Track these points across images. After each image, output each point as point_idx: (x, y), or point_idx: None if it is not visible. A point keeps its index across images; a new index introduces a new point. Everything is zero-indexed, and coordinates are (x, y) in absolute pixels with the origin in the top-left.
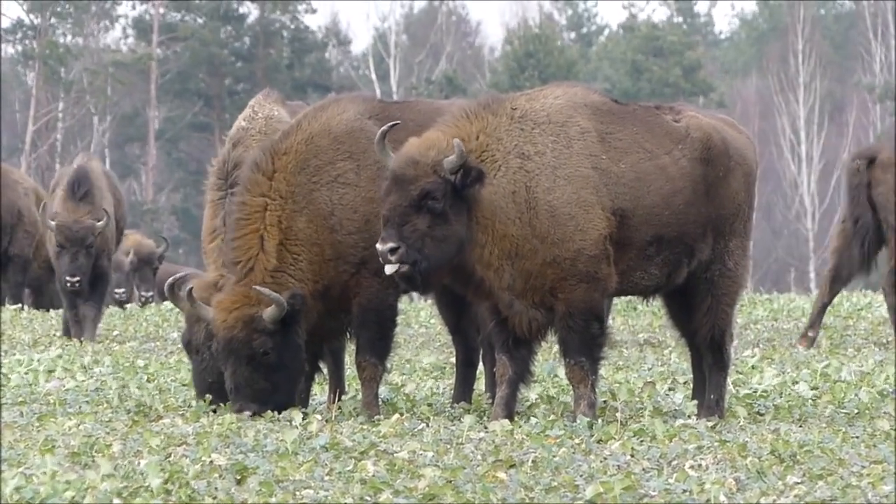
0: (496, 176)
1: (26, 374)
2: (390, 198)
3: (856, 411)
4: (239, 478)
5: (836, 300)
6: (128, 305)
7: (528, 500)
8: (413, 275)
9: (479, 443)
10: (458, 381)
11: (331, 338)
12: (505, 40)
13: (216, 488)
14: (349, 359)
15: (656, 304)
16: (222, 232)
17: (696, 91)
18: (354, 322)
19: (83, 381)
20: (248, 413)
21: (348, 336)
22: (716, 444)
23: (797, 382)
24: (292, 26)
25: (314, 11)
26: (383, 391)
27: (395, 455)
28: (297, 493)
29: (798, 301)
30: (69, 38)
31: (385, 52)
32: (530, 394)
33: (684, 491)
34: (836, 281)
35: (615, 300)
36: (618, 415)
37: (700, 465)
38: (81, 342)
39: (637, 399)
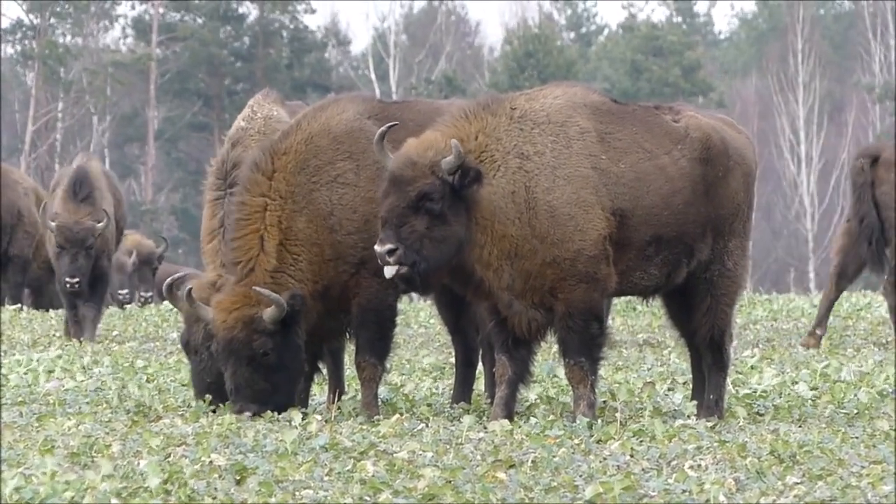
0: (495, 176)
1: (26, 374)
2: (388, 199)
3: (855, 411)
4: (238, 478)
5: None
6: (127, 306)
7: (527, 501)
8: (412, 276)
9: (478, 443)
10: (458, 382)
11: (330, 338)
12: (504, 40)
13: (215, 488)
14: (349, 359)
15: (656, 304)
16: (221, 232)
17: (696, 91)
18: (354, 322)
19: (83, 381)
20: (248, 414)
21: (348, 336)
22: (715, 444)
23: (797, 382)
24: (292, 26)
25: (314, 11)
26: (383, 391)
27: (394, 455)
28: (297, 493)
29: (797, 301)
30: (68, 38)
31: (384, 52)
32: (530, 394)
33: (684, 491)
34: (842, 278)
35: (614, 300)
36: (617, 415)
37: (699, 466)
38: (81, 342)
39: (636, 399)
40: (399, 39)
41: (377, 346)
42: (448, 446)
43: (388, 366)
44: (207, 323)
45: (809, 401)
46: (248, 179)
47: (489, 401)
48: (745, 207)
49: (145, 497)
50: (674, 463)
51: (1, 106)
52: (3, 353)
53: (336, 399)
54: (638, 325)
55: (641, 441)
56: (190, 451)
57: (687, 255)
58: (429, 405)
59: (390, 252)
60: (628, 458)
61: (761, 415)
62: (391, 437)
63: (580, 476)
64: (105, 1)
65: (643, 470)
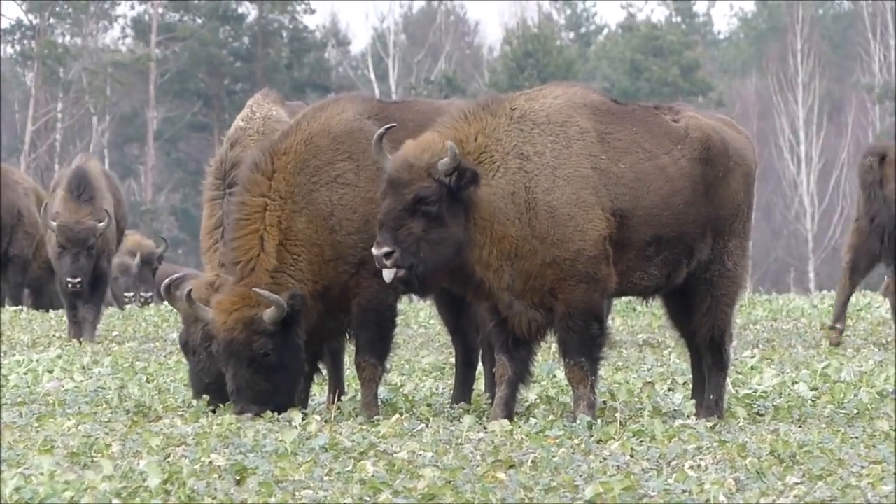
0: (495, 177)
1: (26, 374)
2: (385, 201)
3: (855, 412)
4: (238, 478)
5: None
6: (128, 306)
7: (527, 501)
8: (410, 279)
9: (478, 443)
10: (458, 382)
11: (330, 338)
12: (504, 40)
13: (215, 489)
14: (349, 359)
15: (656, 304)
16: (220, 232)
17: (695, 91)
18: (354, 322)
19: (82, 381)
20: (249, 415)
21: (348, 336)
22: (715, 444)
23: (797, 383)
24: (291, 26)
25: (313, 12)
26: (383, 391)
27: (394, 455)
28: (297, 493)
29: (797, 301)
30: (68, 38)
31: (384, 52)
32: (529, 394)
33: (684, 491)
34: (855, 273)
35: (614, 301)
36: (617, 415)
37: (699, 466)
38: (81, 343)
39: (636, 399)
40: (398, 39)
41: (377, 346)
42: (448, 446)
43: (387, 366)
44: (206, 323)
45: (809, 401)
46: (247, 179)
47: (489, 401)
48: (745, 207)
49: (145, 497)
50: (674, 463)
51: (1, 106)
52: (3, 354)
53: (336, 399)
54: (638, 326)
55: (641, 441)
56: (190, 452)
57: (687, 256)
58: (429, 405)
59: (387, 255)
60: (628, 458)
61: (761, 415)
62: (391, 438)
63: (580, 476)
64: (104, 1)
65: (643, 470)
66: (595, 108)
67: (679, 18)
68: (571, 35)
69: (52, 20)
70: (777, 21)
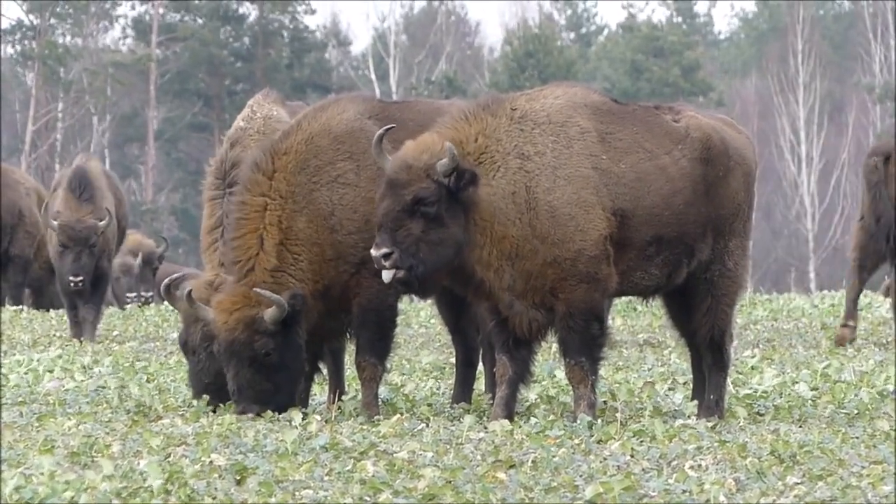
0: (495, 177)
1: (26, 374)
2: (384, 202)
3: (856, 411)
4: (239, 478)
5: (836, 300)
6: (128, 306)
7: (527, 501)
8: (409, 280)
9: (478, 443)
10: (458, 382)
11: (331, 338)
12: (504, 40)
13: (216, 488)
14: (349, 359)
15: (656, 304)
16: (220, 231)
17: (696, 91)
18: (354, 322)
19: (83, 381)
20: (250, 414)
21: (348, 336)
22: (715, 444)
23: (797, 383)
24: (292, 26)
25: (314, 12)
26: (383, 391)
27: (394, 455)
28: (297, 493)
29: (798, 301)
30: (68, 38)
31: (384, 52)
32: (530, 394)
33: (684, 491)
34: (863, 270)
35: (615, 300)
36: (618, 415)
37: (700, 466)
38: (81, 342)
39: (637, 399)
40: (399, 40)
41: (377, 346)
42: (448, 446)
43: (388, 366)
44: (206, 323)
45: (810, 401)
46: (248, 179)
47: (490, 401)
48: (745, 207)
49: (145, 497)
50: (674, 463)
51: (1, 106)
52: (3, 353)
53: (336, 399)
54: (638, 325)
55: (642, 441)
56: (190, 451)
57: (687, 256)
58: (429, 405)
59: (386, 256)
60: (628, 458)
61: (762, 415)
62: (391, 437)
63: (580, 476)
64: (105, 1)
65: (643, 470)
66: (596, 108)
67: (680, 19)
68: (572, 35)
69: (52, 20)
70: (778, 21)
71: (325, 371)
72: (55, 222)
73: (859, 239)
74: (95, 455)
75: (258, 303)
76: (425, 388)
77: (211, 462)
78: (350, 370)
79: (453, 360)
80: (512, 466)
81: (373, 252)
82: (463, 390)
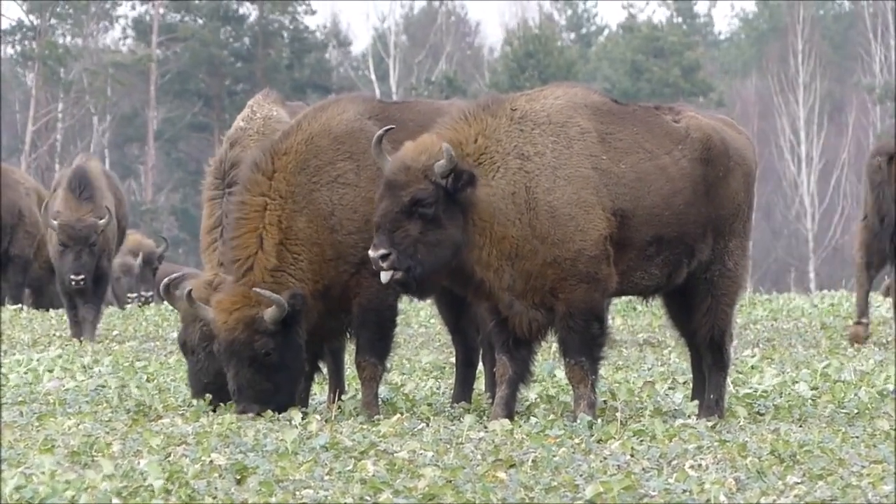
0: (495, 177)
1: (26, 373)
2: (382, 203)
3: (856, 411)
4: (239, 477)
5: (835, 300)
6: (128, 305)
7: (528, 500)
8: (408, 281)
9: (478, 443)
10: (458, 381)
11: (331, 338)
12: (504, 41)
13: (216, 488)
14: (349, 359)
15: (656, 304)
16: (219, 231)
17: (696, 91)
18: (354, 322)
19: (83, 380)
20: (251, 414)
21: (348, 336)
22: (716, 443)
23: (797, 382)
24: (292, 27)
25: (314, 12)
26: (383, 391)
27: (394, 455)
28: (297, 492)
29: (798, 301)
30: (69, 38)
31: (385, 52)
32: (530, 394)
33: (684, 491)
34: (870, 267)
35: (615, 300)
36: (618, 415)
37: (700, 465)
38: (81, 342)
39: (637, 399)
40: (399, 40)
41: (377, 345)
42: (448, 446)
43: (388, 365)
44: (206, 323)
45: (810, 400)
46: (248, 179)
47: (490, 401)
48: (745, 207)
49: (146, 496)
50: (674, 462)
51: (1, 106)
52: (3, 353)
53: (336, 399)
54: (638, 325)
55: (642, 441)
56: (190, 451)
57: (687, 256)
58: (429, 405)
59: (383, 257)
60: (628, 457)
61: (762, 414)
62: (391, 437)
63: (580, 476)
64: (105, 1)
65: (643, 469)
66: (596, 108)
67: (680, 19)
68: (572, 36)
69: (52, 21)
70: (778, 21)
71: (325, 371)
72: (55, 222)
73: (863, 238)
74: (96, 454)
75: (258, 302)
76: (425, 388)
77: (211, 461)
78: (350, 370)
79: (453, 359)
80: (512, 466)
81: (370, 253)
82: (463, 390)
